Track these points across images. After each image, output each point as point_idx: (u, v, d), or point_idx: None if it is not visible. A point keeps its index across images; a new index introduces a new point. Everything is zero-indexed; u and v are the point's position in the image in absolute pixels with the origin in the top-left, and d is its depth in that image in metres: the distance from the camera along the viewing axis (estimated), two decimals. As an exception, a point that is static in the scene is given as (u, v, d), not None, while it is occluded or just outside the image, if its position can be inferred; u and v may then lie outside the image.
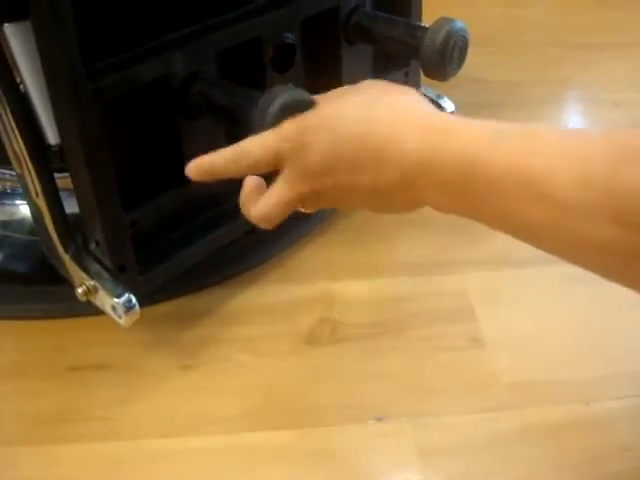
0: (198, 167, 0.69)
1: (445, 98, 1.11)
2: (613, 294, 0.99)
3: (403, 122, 0.61)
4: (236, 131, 0.78)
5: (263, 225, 0.69)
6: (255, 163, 0.66)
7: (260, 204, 0.67)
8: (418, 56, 0.88)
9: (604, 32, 1.67)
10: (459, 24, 0.85)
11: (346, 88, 0.69)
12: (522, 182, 0.53)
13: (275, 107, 0.67)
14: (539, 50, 1.61)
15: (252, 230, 0.97)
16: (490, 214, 0.58)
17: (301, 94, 0.68)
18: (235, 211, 0.92)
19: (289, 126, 0.65)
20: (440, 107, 1.11)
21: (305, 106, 0.67)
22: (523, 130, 0.57)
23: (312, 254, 1.08)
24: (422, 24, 0.91)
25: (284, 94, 0.67)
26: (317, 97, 0.68)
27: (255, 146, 0.66)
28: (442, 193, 0.59)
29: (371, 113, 0.62)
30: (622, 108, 1.42)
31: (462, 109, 1.13)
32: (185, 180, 0.83)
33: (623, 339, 0.95)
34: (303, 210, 0.71)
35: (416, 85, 1.11)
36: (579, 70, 1.54)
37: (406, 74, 1.07)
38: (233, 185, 0.92)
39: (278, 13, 0.86)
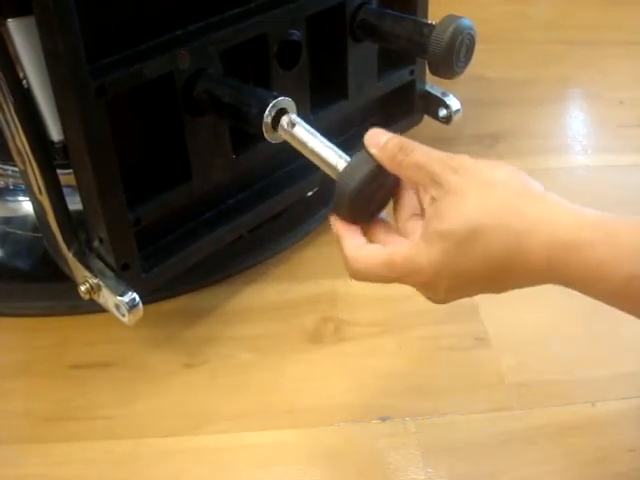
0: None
1: (451, 95, 1.11)
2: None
3: (529, 243, 0.58)
4: (241, 128, 0.78)
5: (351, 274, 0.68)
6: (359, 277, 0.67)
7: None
8: (425, 54, 0.87)
9: (609, 30, 1.67)
10: (466, 22, 0.84)
11: (440, 176, 0.61)
12: None
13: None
14: (543, 47, 1.60)
15: (255, 227, 0.97)
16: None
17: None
18: (238, 208, 0.93)
19: (399, 262, 0.63)
20: (446, 105, 1.10)
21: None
22: None
23: (316, 252, 1.08)
24: (429, 21, 0.90)
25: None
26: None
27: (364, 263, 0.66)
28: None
29: (490, 237, 0.59)
30: (627, 106, 1.41)
31: (466, 106, 1.12)
32: (189, 177, 0.83)
33: (630, 340, 0.95)
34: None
35: (422, 83, 1.10)
36: (584, 68, 1.54)
37: (411, 72, 1.07)
38: (237, 183, 0.92)
39: (283, 10, 0.85)
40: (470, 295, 0.64)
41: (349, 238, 0.67)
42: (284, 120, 0.71)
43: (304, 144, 0.69)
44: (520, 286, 0.63)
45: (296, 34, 0.87)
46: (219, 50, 0.80)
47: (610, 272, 0.56)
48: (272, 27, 0.84)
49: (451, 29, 0.84)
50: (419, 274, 0.61)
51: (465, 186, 0.59)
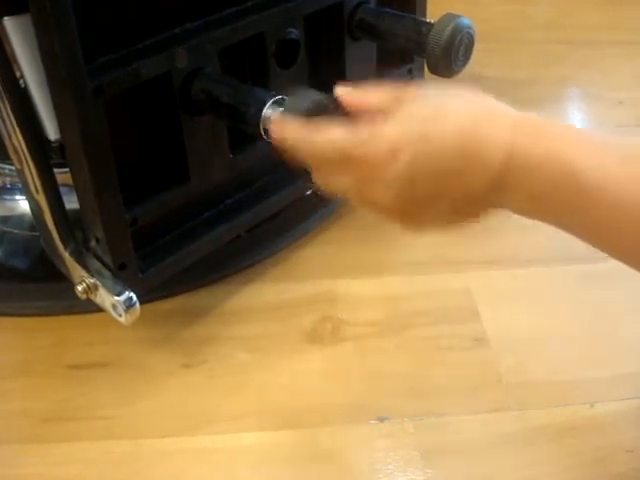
0: (284, 125, 0.65)
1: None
2: (619, 295, 1.00)
3: (489, 121, 0.58)
4: (239, 128, 0.78)
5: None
6: (317, 155, 0.63)
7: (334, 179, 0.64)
8: (423, 53, 0.87)
9: (608, 30, 1.67)
10: (465, 21, 0.84)
11: (407, 92, 0.62)
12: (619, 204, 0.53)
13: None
14: (543, 47, 1.60)
15: (254, 227, 0.97)
16: (576, 225, 0.57)
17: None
18: (236, 208, 0.93)
19: (364, 130, 0.60)
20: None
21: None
22: (624, 153, 0.56)
23: (315, 252, 1.07)
24: (428, 20, 0.90)
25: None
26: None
27: (325, 139, 0.62)
28: (528, 195, 0.57)
29: (452, 118, 0.58)
30: (627, 106, 1.41)
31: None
32: (187, 177, 0.83)
33: (629, 340, 0.95)
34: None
35: (419, 82, 1.10)
36: (583, 68, 1.54)
37: (410, 71, 1.07)
38: (235, 183, 0.92)
39: (281, 8, 0.85)
40: (429, 199, 0.61)
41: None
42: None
43: None
44: (479, 185, 0.58)
45: (294, 33, 0.87)
46: (217, 49, 0.80)
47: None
48: (270, 26, 0.84)
49: (450, 28, 0.83)
50: (381, 138, 0.59)
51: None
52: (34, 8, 0.66)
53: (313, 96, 0.65)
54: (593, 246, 0.57)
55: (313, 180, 0.65)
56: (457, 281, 1.03)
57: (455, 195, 0.59)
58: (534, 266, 1.05)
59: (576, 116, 1.44)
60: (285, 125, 0.65)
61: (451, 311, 0.99)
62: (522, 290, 1.02)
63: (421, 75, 1.09)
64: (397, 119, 0.59)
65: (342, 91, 0.66)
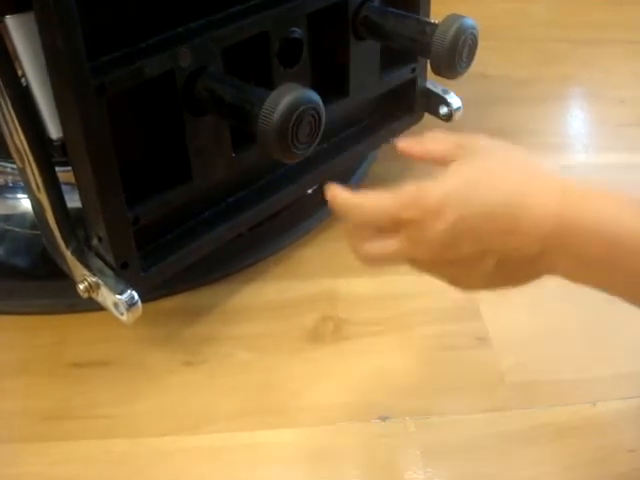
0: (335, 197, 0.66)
1: (452, 93, 1.10)
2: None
3: (538, 187, 0.59)
4: (242, 128, 0.77)
5: (365, 263, 0.67)
6: (368, 219, 0.64)
7: (374, 248, 0.64)
8: (427, 53, 0.86)
9: (610, 28, 1.67)
10: (469, 21, 0.84)
11: (470, 142, 0.65)
12: None
13: (281, 107, 0.65)
14: (545, 46, 1.60)
15: (256, 226, 0.96)
16: (630, 284, 0.59)
17: (309, 94, 0.67)
18: (238, 206, 0.92)
19: (410, 194, 0.61)
20: (447, 102, 1.09)
21: (313, 107, 0.65)
22: None
23: (316, 251, 1.07)
24: (432, 20, 0.90)
25: (291, 93, 0.65)
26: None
27: (373, 205, 0.63)
28: (578, 260, 0.59)
29: (501, 182, 0.60)
30: (628, 105, 1.41)
31: (467, 104, 1.11)
32: (189, 176, 0.83)
33: (630, 340, 0.95)
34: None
35: (423, 81, 1.10)
36: (585, 66, 1.53)
37: (413, 70, 1.06)
38: (237, 181, 0.92)
39: (285, 7, 0.84)
40: (471, 280, 0.64)
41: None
42: None
43: None
44: (525, 247, 0.59)
45: (298, 32, 0.87)
46: (220, 48, 0.79)
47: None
48: (274, 25, 0.84)
49: (454, 29, 0.83)
50: (427, 198, 0.59)
51: (487, 151, 0.62)
52: (37, 6, 0.66)
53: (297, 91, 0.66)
54: None
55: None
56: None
57: (500, 254, 0.60)
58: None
59: (578, 115, 1.44)
60: (335, 194, 0.65)
61: (453, 310, 0.99)
62: (524, 289, 1.01)
63: (424, 75, 1.09)
64: (445, 179, 0.60)
65: (404, 144, 0.68)
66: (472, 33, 0.84)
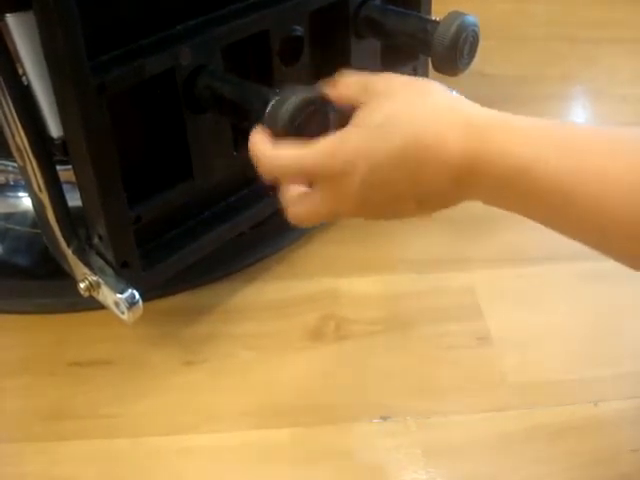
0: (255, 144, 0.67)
1: (453, 92, 1.10)
2: (622, 293, 0.99)
3: (441, 122, 0.59)
4: (243, 126, 0.77)
5: (296, 223, 0.68)
6: (286, 173, 0.66)
7: (300, 206, 0.66)
8: (428, 51, 0.86)
9: (611, 27, 1.66)
10: (470, 19, 0.84)
11: (373, 84, 0.65)
12: (571, 203, 0.55)
13: (287, 110, 0.65)
14: (545, 44, 1.60)
15: (257, 225, 0.96)
16: (538, 218, 0.59)
17: (311, 92, 0.67)
18: (239, 205, 0.92)
19: (320, 150, 0.63)
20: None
21: (318, 104, 0.65)
22: (569, 139, 0.57)
23: (317, 250, 1.07)
24: (433, 18, 0.89)
25: (294, 96, 0.65)
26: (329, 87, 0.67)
27: (289, 162, 0.64)
28: (491, 190, 0.59)
29: (403, 125, 0.60)
30: (630, 103, 1.40)
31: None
32: (191, 175, 0.83)
33: (632, 339, 0.95)
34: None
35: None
36: (586, 64, 1.53)
37: (414, 69, 1.06)
38: (238, 180, 0.92)
39: (286, 5, 0.84)
40: (390, 204, 0.64)
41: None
42: None
43: None
44: (437, 185, 0.60)
45: (299, 30, 0.86)
46: (220, 46, 0.79)
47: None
48: (274, 23, 0.84)
49: (455, 26, 0.83)
50: (335, 155, 0.61)
51: (392, 90, 0.63)
52: (37, 4, 0.66)
53: (300, 94, 0.65)
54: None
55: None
56: (461, 279, 1.03)
57: (416, 194, 0.61)
58: (538, 264, 1.04)
59: (580, 113, 1.43)
60: (255, 139, 0.66)
61: (454, 309, 0.99)
62: (526, 288, 1.02)
63: (425, 73, 1.09)
64: (349, 132, 0.62)
65: (323, 86, 0.69)
66: (473, 30, 0.84)
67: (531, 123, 0.59)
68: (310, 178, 0.65)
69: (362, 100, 0.63)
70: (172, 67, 0.76)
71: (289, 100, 0.65)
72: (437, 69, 0.88)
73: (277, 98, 0.65)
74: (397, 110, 0.61)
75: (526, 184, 0.56)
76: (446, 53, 0.84)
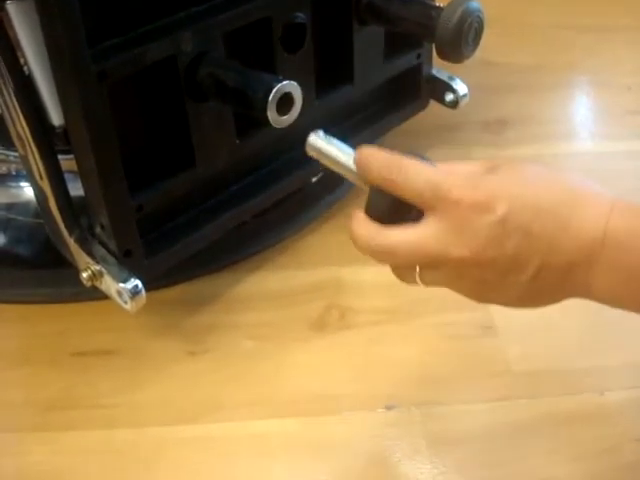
0: (365, 158, 0.62)
1: (457, 80, 1.09)
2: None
3: (589, 193, 0.57)
4: (245, 113, 0.77)
5: (375, 257, 0.62)
6: (415, 184, 0.58)
7: (389, 233, 0.60)
8: (432, 37, 0.86)
9: (617, 15, 1.65)
10: (475, 4, 0.83)
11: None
12: None
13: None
14: (551, 32, 1.58)
15: (260, 214, 0.96)
16: None
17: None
18: (242, 194, 0.92)
19: (466, 175, 0.58)
20: (453, 89, 1.08)
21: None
22: None
23: (320, 239, 1.07)
24: (437, 4, 0.89)
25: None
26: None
27: (425, 169, 0.59)
28: (618, 274, 0.56)
29: (552, 183, 0.58)
30: (635, 92, 1.40)
31: (471, 92, 1.11)
32: (193, 163, 0.82)
33: (638, 328, 0.94)
34: (411, 280, 0.64)
35: (428, 67, 1.09)
36: (591, 53, 1.52)
37: (418, 56, 1.05)
38: (241, 168, 0.91)
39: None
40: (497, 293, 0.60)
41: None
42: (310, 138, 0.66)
43: (333, 159, 0.66)
44: (573, 245, 0.56)
45: (301, 17, 0.86)
46: (222, 33, 0.79)
47: None
48: (277, 9, 0.83)
49: (459, 11, 0.82)
50: (480, 185, 0.57)
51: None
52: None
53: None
54: None
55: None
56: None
57: (542, 260, 0.56)
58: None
59: (584, 103, 1.43)
60: (371, 158, 0.61)
61: (458, 299, 0.97)
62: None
63: (430, 61, 1.08)
64: (499, 173, 0.58)
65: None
66: (478, 16, 0.83)
67: None
68: (443, 202, 0.58)
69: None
70: (173, 54, 0.75)
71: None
72: (441, 56, 0.88)
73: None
74: (545, 174, 0.58)
75: None
76: (451, 39, 0.84)
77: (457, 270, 0.59)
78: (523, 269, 0.57)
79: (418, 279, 0.62)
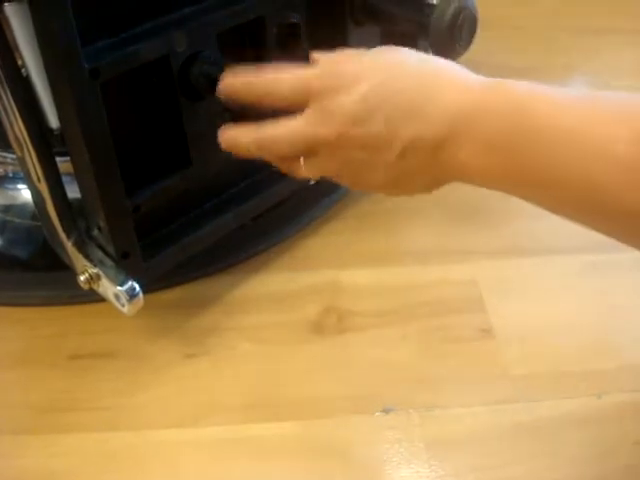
0: (229, 83, 0.67)
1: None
2: (625, 284, 0.99)
3: (449, 73, 0.59)
4: (240, 112, 0.76)
5: (259, 151, 0.66)
6: (279, 90, 0.64)
7: (265, 127, 0.64)
8: (426, 35, 0.86)
9: (614, 17, 1.65)
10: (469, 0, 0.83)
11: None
12: (582, 142, 0.52)
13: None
14: (547, 35, 1.58)
15: (259, 216, 0.96)
16: (539, 174, 0.55)
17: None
18: (241, 196, 0.92)
19: (326, 64, 0.62)
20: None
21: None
22: (580, 95, 0.56)
23: (319, 242, 1.07)
24: (430, 1, 0.88)
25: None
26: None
27: (285, 73, 0.64)
28: (485, 152, 0.57)
29: (413, 66, 0.60)
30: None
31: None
32: (189, 163, 0.82)
33: (636, 331, 0.94)
34: (300, 171, 0.67)
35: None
36: (588, 56, 1.52)
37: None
38: (240, 170, 0.91)
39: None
40: (368, 175, 0.62)
41: None
42: None
43: None
44: (433, 124, 0.58)
45: (295, 16, 0.86)
46: (216, 32, 0.78)
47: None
48: (272, 9, 0.83)
49: (452, 6, 0.82)
50: (342, 67, 0.61)
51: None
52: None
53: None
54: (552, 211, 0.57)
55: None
56: (462, 271, 1.02)
57: (407, 136, 0.58)
58: (540, 256, 1.04)
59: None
60: (234, 77, 0.66)
61: (456, 302, 0.98)
62: (528, 280, 1.01)
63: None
64: (363, 56, 0.62)
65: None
66: (471, 11, 0.83)
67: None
68: (303, 92, 0.63)
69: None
70: (167, 53, 0.75)
71: None
72: (436, 52, 0.87)
73: None
74: (406, 58, 0.62)
75: (527, 121, 0.54)
76: (444, 34, 0.83)
77: (329, 151, 0.63)
78: (390, 145, 0.60)
79: (304, 169, 0.66)
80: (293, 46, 0.87)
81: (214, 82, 0.77)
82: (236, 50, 0.84)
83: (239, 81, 0.67)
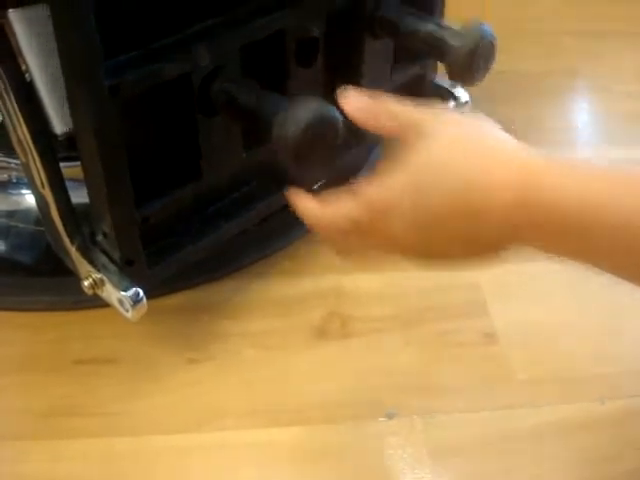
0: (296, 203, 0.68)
1: (459, 87, 1.09)
2: (628, 290, 0.98)
3: (494, 163, 0.58)
4: (255, 131, 0.76)
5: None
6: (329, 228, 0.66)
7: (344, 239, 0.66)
8: (442, 57, 0.86)
9: (617, 21, 1.65)
10: (488, 29, 0.83)
11: (411, 129, 0.62)
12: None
13: (296, 129, 0.64)
14: (550, 39, 1.58)
15: (262, 221, 0.95)
16: (612, 258, 0.58)
17: (326, 110, 0.65)
18: (245, 202, 0.92)
19: (367, 195, 0.62)
20: (454, 97, 1.08)
21: (330, 125, 0.64)
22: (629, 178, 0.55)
23: (322, 247, 1.06)
24: (449, 25, 0.88)
25: (308, 111, 0.64)
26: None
27: (337, 215, 0.64)
28: (546, 235, 0.58)
29: (455, 165, 0.58)
30: (635, 99, 1.40)
31: (473, 99, 1.11)
32: (200, 176, 0.82)
33: (638, 336, 0.94)
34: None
35: (431, 77, 1.09)
36: (590, 60, 1.52)
37: (422, 65, 1.05)
38: (242, 177, 0.91)
39: (305, 5, 0.82)
40: (442, 245, 0.61)
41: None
42: None
43: None
44: (490, 221, 0.57)
45: (315, 31, 0.85)
46: (238, 47, 0.78)
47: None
48: (293, 23, 0.82)
49: (473, 37, 0.82)
50: (372, 202, 0.61)
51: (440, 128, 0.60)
52: (52, 3, 0.64)
53: (315, 106, 0.64)
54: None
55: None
56: (466, 276, 1.02)
57: (466, 237, 0.59)
58: (544, 261, 1.02)
59: (584, 109, 1.43)
60: (297, 199, 0.67)
61: (460, 307, 0.98)
62: (532, 285, 1.01)
63: (433, 73, 1.08)
64: (393, 174, 0.60)
65: (350, 106, 0.66)
66: (490, 42, 0.83)
67: (587, 165, 0.57)
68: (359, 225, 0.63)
69: (406, 137, 0.61)
70: (188, 71, 0.74)
71: (309, 106, 0.64)
72: (453, 78, 0.88)
73: (293, 107, 0.64)
74: (448, 150, 0.59)
75: (589, 221, 0.54)
76: (463, 64, 0.83)
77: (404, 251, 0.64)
78: (452, 246, 0.60)
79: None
80: (311, 60, 0.87)
81: (232, 100, 0.77)
82: (255, 64, 0.83)
83: (300, 209, 0.68)
